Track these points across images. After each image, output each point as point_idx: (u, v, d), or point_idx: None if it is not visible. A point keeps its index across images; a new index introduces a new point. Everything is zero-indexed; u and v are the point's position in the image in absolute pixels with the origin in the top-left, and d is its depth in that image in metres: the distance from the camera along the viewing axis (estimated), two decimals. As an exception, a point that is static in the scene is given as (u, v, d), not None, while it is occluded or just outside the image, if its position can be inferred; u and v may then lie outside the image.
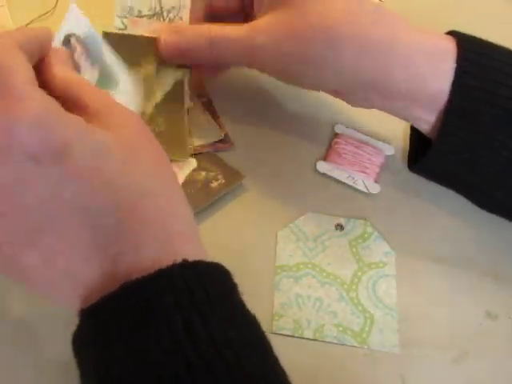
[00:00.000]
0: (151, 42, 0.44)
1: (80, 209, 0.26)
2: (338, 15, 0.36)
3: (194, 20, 0.43)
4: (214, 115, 0.51)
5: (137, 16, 0.46)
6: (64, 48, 0.35)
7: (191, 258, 0.27)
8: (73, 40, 0.36)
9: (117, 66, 0.38)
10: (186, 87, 0.45)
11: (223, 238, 0.44)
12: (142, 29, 0.46)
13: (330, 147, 0.51)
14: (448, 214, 0.49)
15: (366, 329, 0.42)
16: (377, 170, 0.50)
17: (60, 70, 0.31)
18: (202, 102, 0.52)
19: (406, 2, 0.69)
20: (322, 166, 0.49)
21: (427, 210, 0.49)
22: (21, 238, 0.26)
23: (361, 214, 0.48)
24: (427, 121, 0.37)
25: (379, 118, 0.55)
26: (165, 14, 0.47)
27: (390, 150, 0.52)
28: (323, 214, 0.47)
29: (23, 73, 0.27)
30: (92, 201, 0.26)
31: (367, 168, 0.50)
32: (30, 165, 0.25)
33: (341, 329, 0.41)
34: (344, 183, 0.49)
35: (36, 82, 0.28)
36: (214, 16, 0.45)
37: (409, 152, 0.44)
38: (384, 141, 0.52)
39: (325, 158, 0.50)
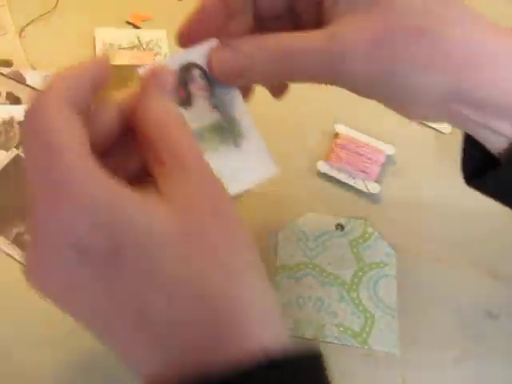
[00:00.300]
0: (135, 68, 0.49)
1: (133, 310, 0.24)
2: (441, 16, 0.31)
3: (244, 30, 0.35)
4: (215, 115, 0.51)
5: (118, 49, 0.54)
6: (173, 71, 0.31)
7: (269, 346, 0.25)
8: (195, 72, 0.33)
9: (248, 124, 0.34)
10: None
11: (224, 238, 0.44)
12: (125, 57, 0.53)
13: (330, 147, 0.51)
14: (448, 214, 0.49)
15: (367, 329, 0.42)
16: (377, 169, 0.50)
17: (157, 105, 0.28)
18: (203, 102, 0.52)
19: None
20: (323, 166, 0.49)
21: (427, 209, 0.49)
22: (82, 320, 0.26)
23: (361, 214, 0.48)
24: (503, 133, 0.33)
25: (379, 117, 0.55)
26: (144, 45, 0.54)
27: (390, 150, 0.52)
28: (323, 213, 0.47)
29: (74, 147, 0.24)
30: (146, 301, 0.24)
31: (367, 168, 0.50)
32: (78, 260, 0.24)
33: (341, 329, 0.41)
34: (344, 183, 0.49)
35: (89, 156, 0.24)
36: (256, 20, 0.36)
37: (463, 165, 0.38)
38: (384, 141, 0.52)
39: (325, 158, 0.50)
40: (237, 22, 0.34)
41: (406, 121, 0.55)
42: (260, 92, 0.55)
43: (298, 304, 0.42)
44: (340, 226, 0.46)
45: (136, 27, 0.57)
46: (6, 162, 0.42)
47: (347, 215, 0.47)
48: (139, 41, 0.55)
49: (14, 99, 0.46)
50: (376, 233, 0.46)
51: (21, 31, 0.53)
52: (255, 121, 0.55)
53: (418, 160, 0.53)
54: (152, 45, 0.55)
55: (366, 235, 0.46)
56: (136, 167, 0.28)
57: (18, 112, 0.45)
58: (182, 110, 0.33)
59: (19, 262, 0.39)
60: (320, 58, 0.31)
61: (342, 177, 0.49)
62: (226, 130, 0.34)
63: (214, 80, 0.33)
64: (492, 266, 0.46)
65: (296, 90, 0.56)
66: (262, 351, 0.24)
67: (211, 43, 0.33)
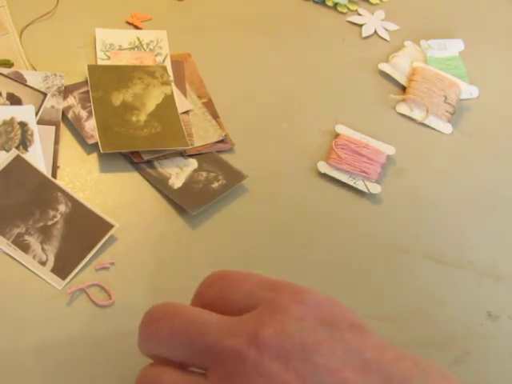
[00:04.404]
0: (135, 69, 0.52)
1: None
2: None
3: None
4: (215, 115, 0.51)
5: (118, 50, 0.54)
6: None
7: None
8: None
9: None
10: (181, 96, 0.51)
11: (224, 237, 0.44)
12: (125, 57, 0.53)
13: (330, 147, 0.51)
14: (448, 214, 0.49)
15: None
16: (378, 170, 0.50)
17: None
18: (203, 102, 0.52)
19: (410, 2, 0.69)
20: (323, 167, 0.49)
21: (427, 210, 0.49)
22: None
23: (361, 214, 0.48)
24: None
25: (380, 118, 0.55)
26: (144, 46, 0.55)
27: (390, 150, 0.52)
28: (323, 213, 0.47)
29: None
30: None
31: (368, 168, 0.50)
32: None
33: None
34: (344, 183, 0.49)
35: None
36: None
37: None
38: (384, 141, 0.52)
39: (325, 159, 0.50)
40: None
41: (406, 121, 0.56)
42: (260, 93, 0.55)
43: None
44: None
45: (136, 27, 0.57)
46: (6, 162, 0.43)
47: (347, 216, 0.47)
48: (139, 41, 0.55)
49: (14, 99, 0.46)
50: None
51: (21, 31, 0.53)
52: (258, 123, 0.55)
53: (418, 160, 0.53)
54: (153, 45, 0.55)
55: None
56: None
57: (18, 112, 0.45)
58: None
59: (19, 262, 0.39)
60: None
61: (342, 177, 0.49)
62: None
63: None
64: (492, 266, 0.46)
65: (296, 89, 0.56)
66: None
67: None
